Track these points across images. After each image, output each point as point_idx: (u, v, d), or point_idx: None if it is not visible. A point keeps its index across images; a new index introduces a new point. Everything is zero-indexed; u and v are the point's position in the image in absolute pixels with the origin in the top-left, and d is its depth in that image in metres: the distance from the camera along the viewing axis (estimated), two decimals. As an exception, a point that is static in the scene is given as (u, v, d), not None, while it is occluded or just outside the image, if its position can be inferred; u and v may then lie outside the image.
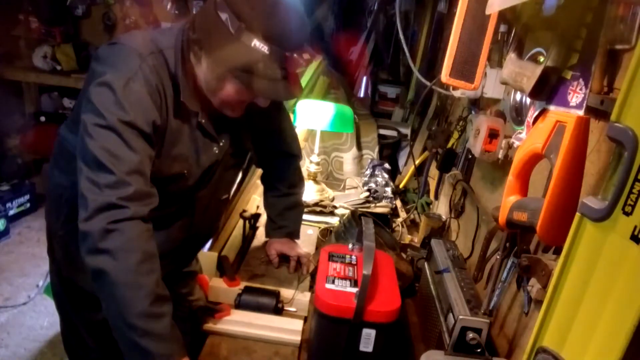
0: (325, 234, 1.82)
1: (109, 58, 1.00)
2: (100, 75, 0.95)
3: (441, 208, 2.05)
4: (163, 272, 0.98)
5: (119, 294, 0.90)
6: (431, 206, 2.14)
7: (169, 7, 3.42)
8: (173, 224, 1.19)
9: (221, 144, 1.19)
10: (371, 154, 2.80)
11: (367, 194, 2.17)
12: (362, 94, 3.31)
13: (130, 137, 0.94)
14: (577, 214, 0.60)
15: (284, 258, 1.55)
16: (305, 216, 1.79)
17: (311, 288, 1.43)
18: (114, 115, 0.93)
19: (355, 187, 2.40)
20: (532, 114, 1.01)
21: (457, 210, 1.77)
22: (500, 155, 1.28)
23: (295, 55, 1.01)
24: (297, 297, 1.34)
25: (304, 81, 2.64)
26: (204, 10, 1.03)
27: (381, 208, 2.09)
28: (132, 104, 0.94)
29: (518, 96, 1.26)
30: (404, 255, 1.64)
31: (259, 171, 1.60)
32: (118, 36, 1.07)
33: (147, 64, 0.99)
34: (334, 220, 1.99)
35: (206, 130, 1.13)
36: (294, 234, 1.58)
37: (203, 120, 1.11)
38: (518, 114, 1.26)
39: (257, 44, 0.96)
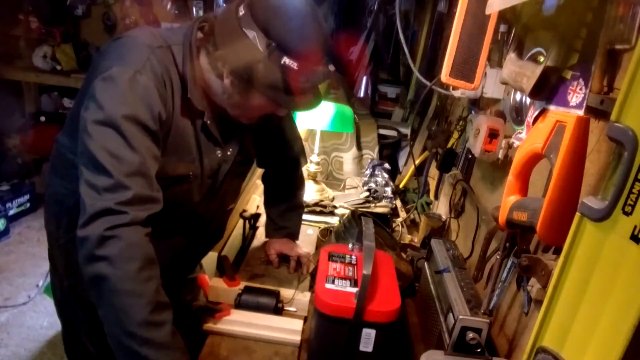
0: (325, 234, 1.82)
1: (115, 51, 0.97)
2: (106, 70, 0.92)
3: (441, 208, 2.05)
4: (167, 279, 0.96)
5: (118, 302, 0.88)
6: (431, 206, 2.14)
7: (169, 7, 3.42)
8: (179, 235, 1.18)
9: (229, 152, 1.18)
10: (371, 153, 2.80)
11: (367, 194, 2.17)
12: (362, 94, 3.31)
13: (132, 135, 0.91)
14: (577, 214, 0.60)
15: (283, 258, 1.55)
16: (305, 216, 1.79)
17: (311, 288, 1.43)
18: (117, 111, 0.89)
19: (355, 187, 2.40)
20: (532, 114, 1.01)
21: (457, 210, 1.77)
22: (500, 155, 1.28)
23: (320, 68, 1.02)
24: (297, 297, 1.34)
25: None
26: (225, 24, 0.99)
27: (381, 208, 2.09)
28: (137, 98, 0.92)
29: (518, 96, 1.26)
30: (404, 255, 1.64)
31: (259, 171, 1.61)
32: (125, 32, 1.04)
33: (155, 55, 0.96)
34: (334, 220, 1.99)
35: (210, 133, 1.11)
36: (294, 235, 1.58)
37: (208, 122, 1.09)
38: (518, 114, 1.26)
39: (287, 61, 0.95)
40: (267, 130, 1.37)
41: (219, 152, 1.16)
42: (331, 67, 1.07)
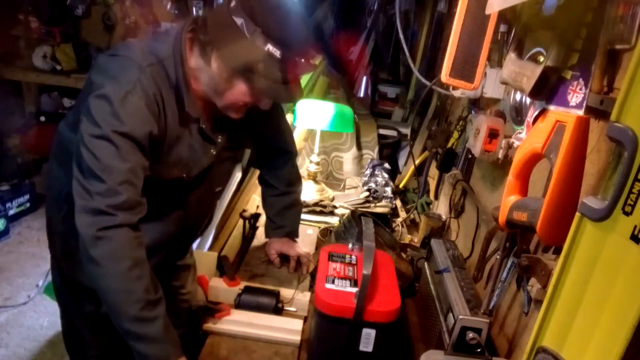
0: (325, 234, 1.82)
1: (108, 70, 1.01)
2: (99, 88, 0.97)
3: (441, 208, 2.05)
4: (157, 264, 1.01)
5: (110, 299, 0.95)
6: (431, 206, 2.14)
7: (169, 7, 3.41)
8: (167, 217, 1.21)
9: (219, 140, 1.20)
10: (371, 153, 2.80)
11: (367, 193, 2.17)
12: (362, 94, 3.31)
13: (124, 148, 0.96)
14: (577, 214, 0.60)
15: (283, 258, 1.55)
16: (305, 216, 1.79)
17: (311, 288, 1.43)
18: (110, 127, 0.95)
19: (355, 187, 2.40)
20: (532, 114, 1.01)
21: (457, 210, 1.77)
22: (500, 155, 1.28)
23: (302, 60, 1.06)
24: (297, 297, 1.34)
25: (303, 81, 2.64)
26: (217, 14, 1.05)
27: (381, 208, 2.09)
28: (128, 116, 0.96)
29: (518, 96, 1.26)
30: (404, 255, 1.64)
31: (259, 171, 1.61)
32: (116, 46, 1.09)
33: (145, 75, 1.00)
34: (334, 220, 1.99)
35: (206, 134, 1.15)
36: (293, 233, 1.58)
37: (204, 126, 1.13)
38: (518, 114, 1.26)
39: (271, 48, 0.99)
40: (262, 126, 1.39)
41: (212, 150, 1.19)
42: (312, 60, 1.09)
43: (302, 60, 1.06)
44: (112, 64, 1.02)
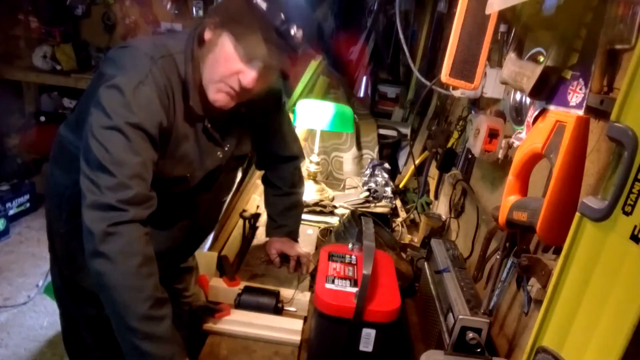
0: (325, 234, 1.82)
1: (119, 61, 1.00)
2: (111, 78, 0.96)
3: (441, 208, 2.05)
4: (161, 269, 0.99)
5: (118, 297, 0.91)
6: (431, 206, 2.14)
7: (168, 7, 3.42)
8: (175, 225, 1.20)
9: (226, 148, 1.20)
10: (371, 153, 2.80)
11: (367, 193, 2.17)
12: (362, 94, 3.30)
13: (135, 140, 0.94)
14: (577, 214, 0.60)
15: (283, 258, 1.55)
16: (305, 216, 1.78)
17: (311, 288, 1.43)
18: (122, 117, 0.93)
19: (355, 187, 2.40)
20: (532, 114, 1.01)
21: (457, 210, 1.77)
22: (500, 155, 1.28)
23: (291, 29, 1.01)
24: (297, 297, 1.34)
25: (303, 81, 2.64)
26: None
27: (381, 208, 2.09)
28: (140, 107, 0.95)
29: (518, 96, 1.26)
30: (404, 255, 1.64)
31: (260, 171, 1.61)
32: (129, 40, 1.08)
33: (157, 67, 0.99)
34: (334, 220, 1.99)
35: (211, 134, 1.14)
36: (293, 233, 1.58)
37: (209, 125, 1.12)
38: (518, 114, 1.26)
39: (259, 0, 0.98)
40: (266, 133, 1.38)
41: (219, 152, 1.18)
42: (300, 34, 1.04)
43: (291, 29, 1.01)
44: (123, 56, 1.01)
